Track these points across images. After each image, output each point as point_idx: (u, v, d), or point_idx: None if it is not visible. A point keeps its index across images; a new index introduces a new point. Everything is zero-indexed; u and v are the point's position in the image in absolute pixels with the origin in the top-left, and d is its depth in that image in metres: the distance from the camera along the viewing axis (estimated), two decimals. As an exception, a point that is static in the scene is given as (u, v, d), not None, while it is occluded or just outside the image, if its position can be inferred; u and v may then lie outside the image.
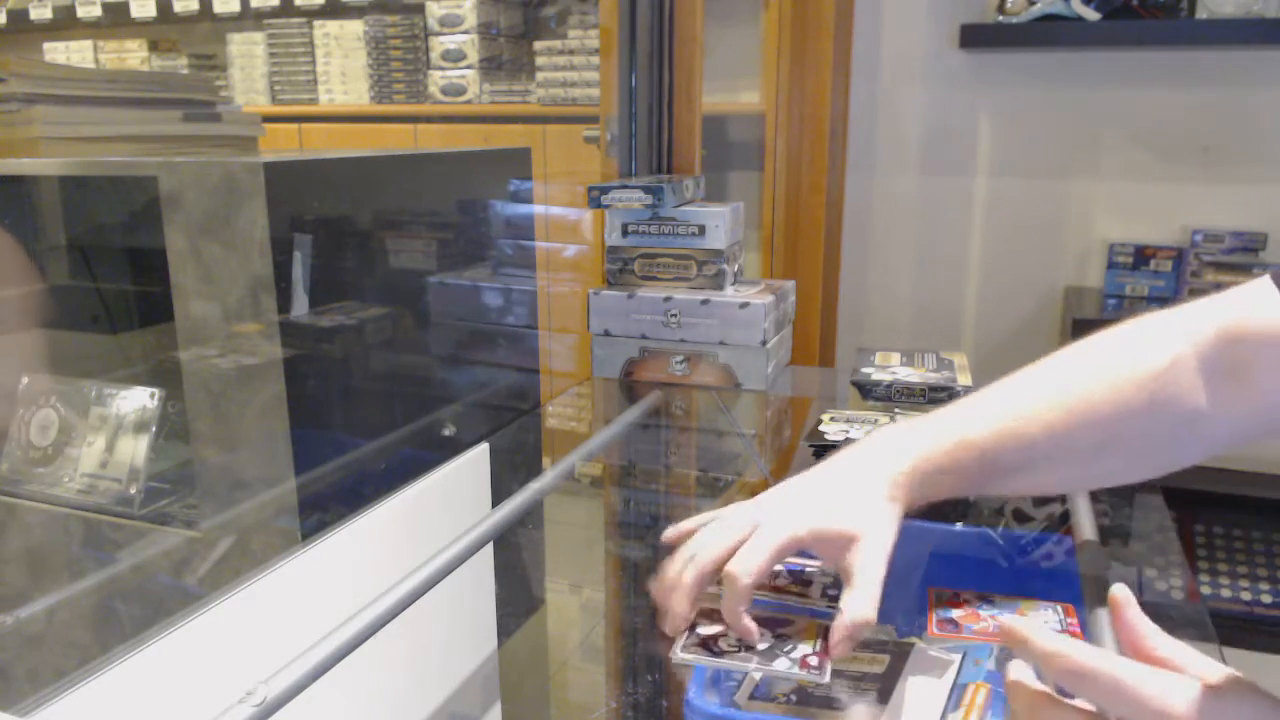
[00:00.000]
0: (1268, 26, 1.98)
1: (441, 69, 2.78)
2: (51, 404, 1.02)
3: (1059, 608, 0.70)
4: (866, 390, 1.14)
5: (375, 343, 0.98)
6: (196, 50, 3.24)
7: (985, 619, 0.69)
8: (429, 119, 2.79)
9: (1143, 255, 2.20)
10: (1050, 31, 2.10)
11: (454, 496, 0.95)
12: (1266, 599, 2.01)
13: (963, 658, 0.64)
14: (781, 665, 0.61)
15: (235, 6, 2.99)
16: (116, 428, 0.99)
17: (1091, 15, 2.05)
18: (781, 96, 2.19)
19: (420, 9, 2.78)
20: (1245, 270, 2.05)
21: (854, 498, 0.65)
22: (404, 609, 0.67)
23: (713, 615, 0.65)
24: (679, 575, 0.65)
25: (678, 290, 1.33)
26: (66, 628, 0.90)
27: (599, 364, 1.38)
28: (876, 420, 1.05)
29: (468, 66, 2.75)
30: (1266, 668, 1.97)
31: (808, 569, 0.73)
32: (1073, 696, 0.44)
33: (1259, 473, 2.16)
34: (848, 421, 1.04)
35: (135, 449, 0.98)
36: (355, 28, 2.91)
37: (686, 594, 0.64)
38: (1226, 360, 0.62)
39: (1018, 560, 0.78)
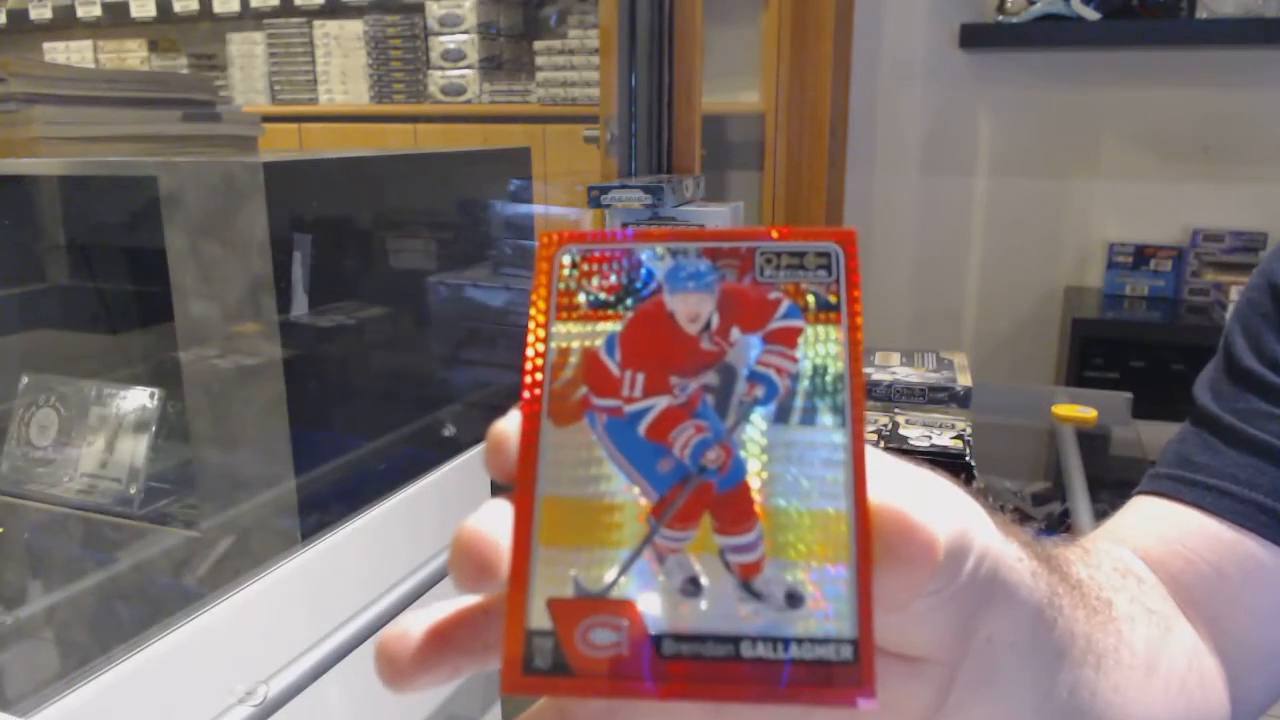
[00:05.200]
0: (1268, 26, 1.98)
1: (441, 69, 2.78)
2: (52, 404, 1.02)
3: None
4: (867, 391, 1.14)
5: (375, 343, 0.98)
6: (196, 50, 3.24)
7: None
8: (429, 119, 2.79)
9: (1143, 255, 2.20)
10: (1050, 31, 2.10)
11: (454, 496, 0.95)
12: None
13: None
14: None
15: (235, 6, 2.99)
16: (116, 428, 0.99)
17: (1091, 15, 2.05)
18: (781, 96, 2.19)
19: (420, 9, 2.78)
20: (1246, 270, 2.05)
21: None
22: (403, 609, 0.67)
23: None
24: None
25: (677, 290, 1.33)
26: (66, 627, 0.90)
27: (599, 364, 1.38)
28: (876, 420, 1.05)
29: (468, 66, 2.75)
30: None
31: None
32: None
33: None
34: (847, 421, 1.03)
35: (135, 449, 0.98)
36: (355, 27, 2.91)
37: None
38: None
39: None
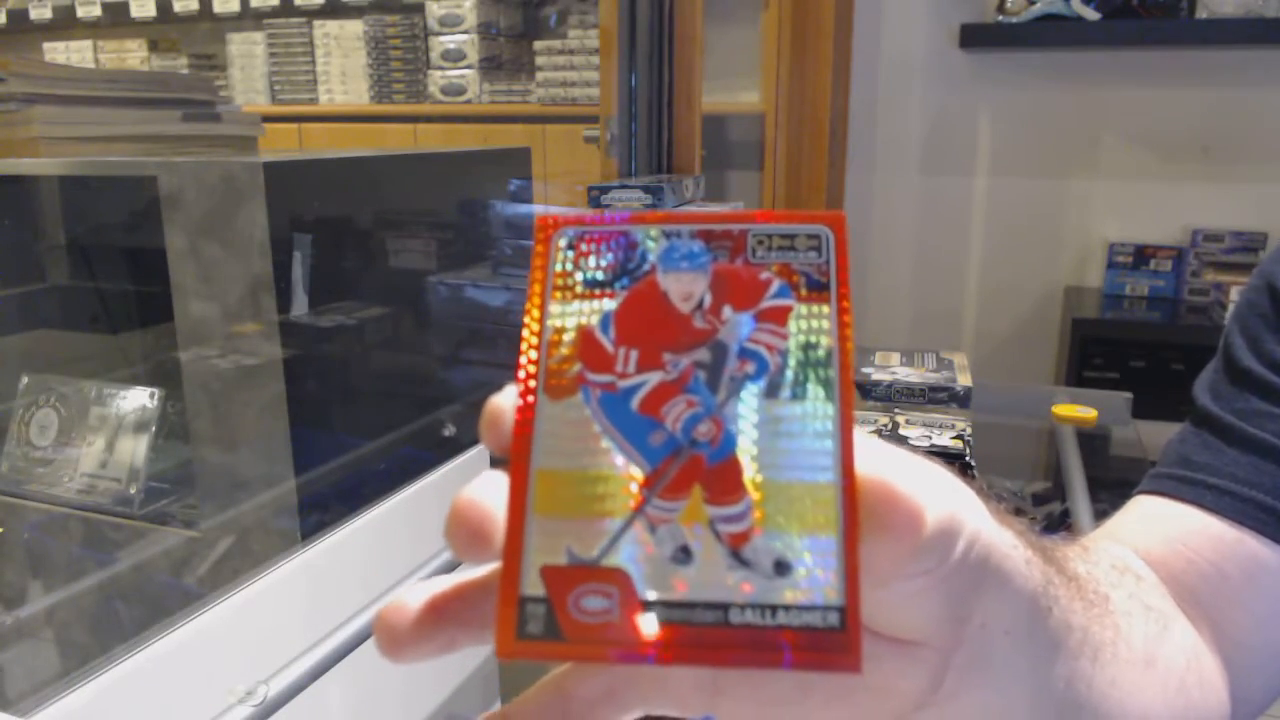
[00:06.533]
0: (1268, 26, 1.98)
1: (441, 69, 2.78)
2: (52, 404, 1.02)
3: None
4: (866, 390, 1.14)
5: (375, 343, 0.98)
6: (196, 50, 3.24)
7: None
8: (429, 119, 2.79)
9: (1143, 255, 2.20)
10: (1050, 31, 2.10)
11: (454, 497, 0.95)
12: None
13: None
14: None
15: (235, 6, 2.99)
16: (116, 428, 0.99)
17: (1091, 15, 2.05)
18: (781, 96, 2.19)
19: (420, 9, 2.78)
20: (1246, 270, 2.05)
21: None
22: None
23: None
24: None
25: (677, 290, 1.33)
26: (66, 627, 0.90)
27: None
28: (876, 420, 1.05)
29: (468, 66, 2.75)
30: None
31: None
32: None
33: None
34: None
35: (135, 449, 0.98)
36: (355, 27, 2.90)
37: None
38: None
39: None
